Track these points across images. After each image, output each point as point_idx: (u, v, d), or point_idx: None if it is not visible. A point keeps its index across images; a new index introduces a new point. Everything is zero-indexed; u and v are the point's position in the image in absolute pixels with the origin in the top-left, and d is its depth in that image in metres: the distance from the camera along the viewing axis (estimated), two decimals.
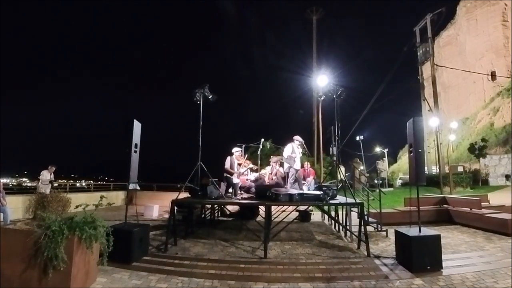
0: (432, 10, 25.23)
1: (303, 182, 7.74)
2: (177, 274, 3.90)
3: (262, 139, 8.71)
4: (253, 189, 7.01)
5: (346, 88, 6.78)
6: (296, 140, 7.08)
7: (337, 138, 6.69)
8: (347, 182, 6.74)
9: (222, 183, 7.08)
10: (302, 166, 7.79)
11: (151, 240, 5.54)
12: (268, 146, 15.65)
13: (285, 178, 7.43)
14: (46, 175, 8.57)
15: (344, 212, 6.80)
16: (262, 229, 5.83)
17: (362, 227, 5.21)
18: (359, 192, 8.17)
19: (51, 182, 8.78)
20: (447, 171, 19.23)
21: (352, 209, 6.33)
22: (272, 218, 6.57)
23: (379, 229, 6.62)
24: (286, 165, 7.14)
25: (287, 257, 4.82)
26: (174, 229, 5.52)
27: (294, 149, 7.04)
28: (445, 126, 28.41)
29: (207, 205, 7.95)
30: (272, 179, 7.73)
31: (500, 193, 15.13)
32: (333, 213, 7.65)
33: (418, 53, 27.06)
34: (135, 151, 4.75)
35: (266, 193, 5.66)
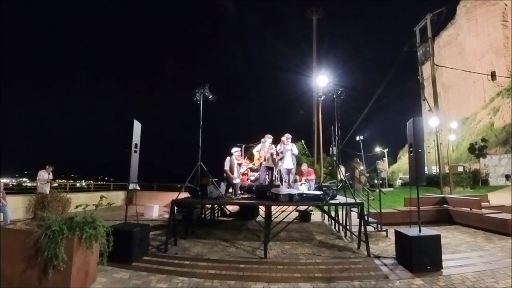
0: (432, 10, 25.20)
1: (303, 182, 7.75)
2: (177, 274, 3.90)
3: (262, 139, 8.69)
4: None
5: (346, 88, 6.80)
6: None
7: (337, 138, 6.69)
8: (347, 182, 6.74)
9: (222, 183, 7.08)
10: None
11: (151, 240, 5.54)
12: None
13: (275, 160, 7.38)
14: (44, 175, 8.58)
15: (344, 212, 6.80)
16: (262, 229, 5.83)
17: (362, 227, 5.21)
18: (359, 192, 8.17)
19: (50, 181, 8.78)
20: (447, 171, 19.21)
21: (352, 209, 6.33)
22: (272, 218, 6.57)
23: (379, 229, 6.61)
24: (291, 164, 7.16)
25: (287, 257, 4.82)
26: (174, 229, 5.51)
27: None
28: (445, 126, 28.39)
29: (207, 205, 7.94)
30: (265, 158, 7.30)
31: (500, 193, 15.13)
32: (333, 213, 7.65)
33: (418, 53, 27.02)
34: (135, 151, 4.75)
35: (266, 193, 5.66)
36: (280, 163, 7.32)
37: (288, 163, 7.18)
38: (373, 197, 7.15)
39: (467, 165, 25.32)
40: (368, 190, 7.39)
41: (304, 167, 8.30)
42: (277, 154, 7.41)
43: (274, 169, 7.69)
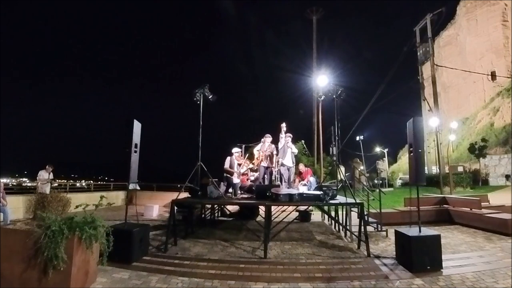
0: (432, 10, 25.22)
1: (304, 182, 7.75)
2: (177, 274, 3.90)
3: (262, 139, 8.69)
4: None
5: (346, 88, 6.79)
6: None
7: (337, 138, 6.69)
8: (347, 182, 6.74)
9: (222, 183, 7.08)
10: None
11: (151, 240, 5.53)
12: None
13: (273, 160, 7.38)
14: (44, 174, 8.60)
15: (344, 212, 6.80)
16: (262, 229, 5.84)
17: (362, 227, 5.20)
18: (359, 192, 8.17)
19: (50, 181, 8.79)
20: (447, 171, 19.21)
21: (352, 209, 6.33)
22: (272, 218, 6.57)
23: (379, 229, 6.61)
24: (290, 162, 7.19)
25: (287, 257, 4.82)
26: (174, 229, 5.51)
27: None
28: (445, 126, 28.39)
29: (207, 205, 7.94)
30: (264, 158, 7.27)
31: (500, 193, 15.13)
32: (333, 213, 7.65)
33: (418, 53, 27.03)
34: (135, 151, 4.75)
35: (266, 193, 5.66)
36: (280, 159, 7.33)
37: (288, 160, 7.20)
38: (373, 197, 7.15)
39: (467, 165, 25.33)
40: (368, 190, 7.39)
41: (302, 167, 8.30)
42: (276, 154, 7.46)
43: (274, 169, 7.69)
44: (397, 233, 4.53)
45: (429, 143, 31.64)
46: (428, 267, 3.93)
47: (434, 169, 25.01)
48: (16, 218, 7.60)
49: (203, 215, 7.98)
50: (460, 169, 22.35)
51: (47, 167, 8.70)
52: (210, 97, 6.54)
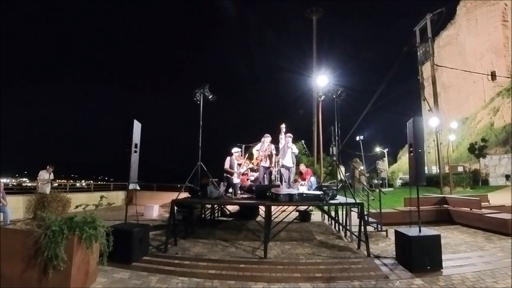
0: (432, 10, 25.24)
1: (303, 182, 7.75)
2: (177, 274, 3.90)
3: (262, 139, 8.68)
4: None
5: (346, 88, 6.79)
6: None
7: (337, 138, 6.69)
8: (347, 182, 6.74)
9: (222, 183, 7.08)
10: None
11: (151, 240, 5.54)
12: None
13: (273, 159, 7.39)
14: (44, 175, 8.62)
15: (344, 212, 6.80)
16: (262, 229, 5.83)
17: (362, 227, 5.20)
18: (359, 192, 8.17)
19: (50, 181, 8.81)
20: (447, 171, 19.22)
21: (352, 209, 6.32)
22: (272, 218, 6.57)
23: (379, 229, 6.61)
24: (291, 162, 7.19)
25: (287, 257, 4.82)
26: (174, 229, 5.51)
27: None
28: (445, 126, 28.39)
29: (207, 205, 7.94)
30: (264, 158, 7.24)
31: (500, 193, 15.13)
32: (333, 213, 7.65)
33: (418, 53, 27.05)
34: (135, 151, 4.75)
35: (266, 193, 5.66)
36: (280, 160, 7.31)
37: (288, 161, 7.19)
38: (373, 197, 7.15)
39: (467, 165, 25.31)
40: (368, 190, 7.38)
41: (303, 167, 8.30)
42: (276, 154, 7.44)
43: (273, 169, 7.68)
44: (397, 233, 4.53)
45: (429, 143, 31.64)
46: (428, 267, 3.93)
47: (434, 169, 25.01)
48: (16, 218, 7.60)
49: (203, 215, 7.98)
50: (460, 169, 22.34)
51: (47, 167, 8.71)
52: (210, 97, 6.54)
